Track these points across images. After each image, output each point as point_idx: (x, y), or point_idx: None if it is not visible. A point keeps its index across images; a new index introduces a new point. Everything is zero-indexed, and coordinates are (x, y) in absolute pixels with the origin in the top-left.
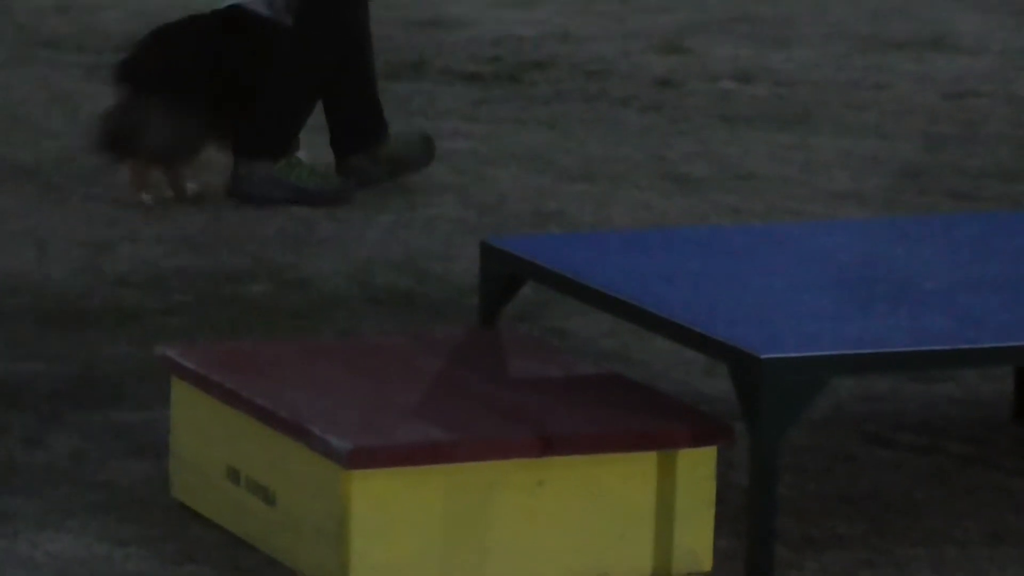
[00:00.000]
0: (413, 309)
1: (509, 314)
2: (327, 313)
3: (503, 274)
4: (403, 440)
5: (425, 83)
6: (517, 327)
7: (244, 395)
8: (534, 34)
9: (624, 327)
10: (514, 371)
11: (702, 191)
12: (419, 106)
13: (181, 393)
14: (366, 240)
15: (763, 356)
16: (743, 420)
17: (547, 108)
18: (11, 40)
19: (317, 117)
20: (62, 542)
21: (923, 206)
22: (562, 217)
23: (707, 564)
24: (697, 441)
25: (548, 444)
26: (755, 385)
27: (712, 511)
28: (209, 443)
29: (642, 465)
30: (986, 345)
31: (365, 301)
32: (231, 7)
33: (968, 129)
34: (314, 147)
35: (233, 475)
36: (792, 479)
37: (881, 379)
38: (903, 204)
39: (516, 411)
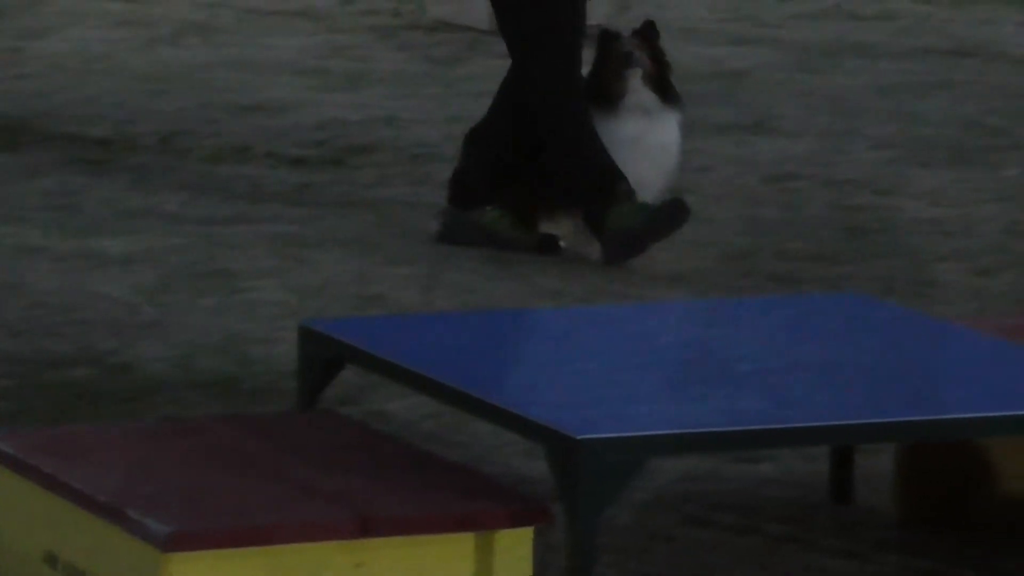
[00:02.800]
0: (235, 393)
1: (332, 397)
2: (150, 398)
3: (322, 357)
4: (222, 523)
5: (249, 167)
6: (339, 410)
7: (62, 479)
8: (359, 118)
9: (445, 409)
10: (334, 454)
11: (526, 274)
12: (243, 190)
13: (0, 479)
14: (188, 324)
15: (579, 437)
16: (560, 500)
17: (371, 192)
18: None
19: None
20: None
21: (744, 289)
22: (385, 300)
23: None
24: (514, 522)
25: (367, 526)
26: (572, 466)
27: None
28: (28, 529)
29: (459, 546)
30: (801, 425)
31: (187, 385)
32: None
33: (788, 212)
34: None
35: (51, 560)
36: (611, 559)
37: (701, 460)
38: (724, 287)
39: (336, 493)
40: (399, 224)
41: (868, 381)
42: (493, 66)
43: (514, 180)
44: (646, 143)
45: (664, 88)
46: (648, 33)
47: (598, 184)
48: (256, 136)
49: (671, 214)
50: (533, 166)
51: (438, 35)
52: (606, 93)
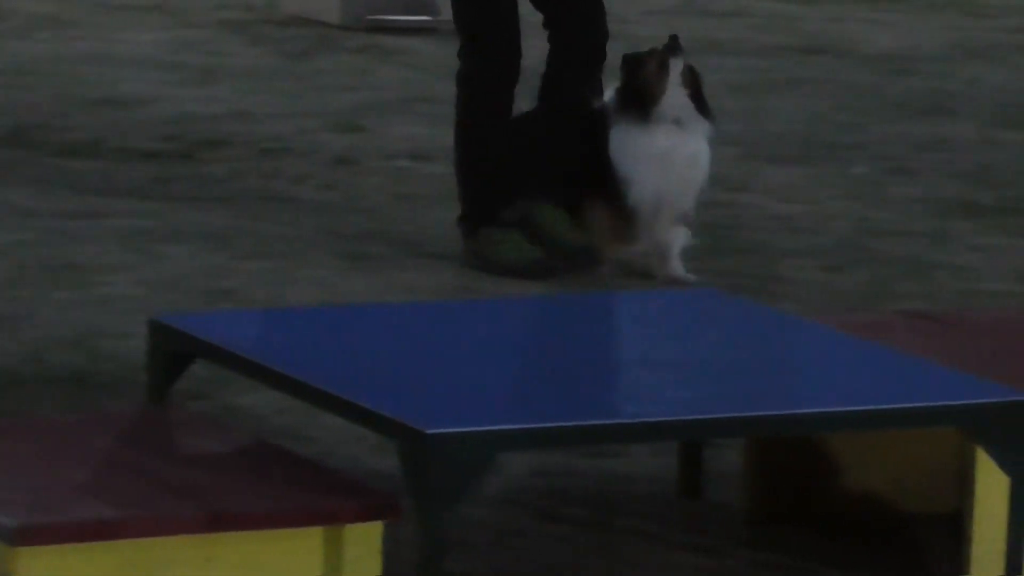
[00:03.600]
0: (86, 388)
1: (184, 391)
2: (0, 393)
3: (172, 351)
4: (71, 517)
5: (101, 161)
6: (190, 404)
7: None
8: (211, 112)
9: (296, 404)
10: (184, 448)
11: (378, 269)
12: (94, 184)
13: None
14: (39, 318)
15: (428, 432)
16: (410, 496)
17: (223, 186)
18: None
19: None
20: None
21: (595, 284)
22: (237, 295)
23: None
24: (363, 516)
25: (216, 520)
26: (421, 461)
27: None
28: None
29: (308, 540)
30: (650, 420)
31: (39, 380)
32: None
33: None
34: None
35: None
36: (461, 554)
37: (552, 455)
38: (575, 282)
39: (185, 488)
40: (251, 218)
41: (718, 376)
42: (345, 61)
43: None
44: (676, 155)
45: (697, 99)
46: (676, 46)
47: (481, 198)
48: (108, 130)
49: (585, 261)
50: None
51: (290, 30)
52: (641, 96)
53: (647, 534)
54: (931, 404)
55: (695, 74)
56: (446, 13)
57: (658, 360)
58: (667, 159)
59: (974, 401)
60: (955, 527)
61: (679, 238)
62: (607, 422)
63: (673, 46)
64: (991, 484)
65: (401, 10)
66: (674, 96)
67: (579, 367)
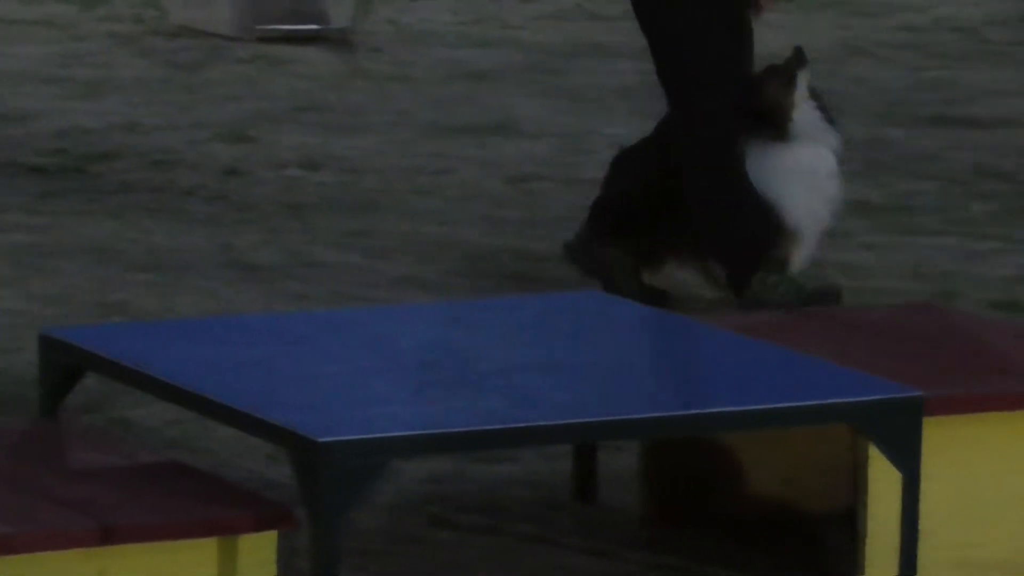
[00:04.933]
0: None
1: (76, 405)
2: None
3: (63, 365)
4: None
5: None
6: (82, 418)
7: None
8: (100, 125)
9: (189, 416)
10: (76, 462)
11: (269, 279)
12: None
13: None
14: None
15: (321, 440)
16: (303, 504)
17: (112, 199)
18: None
19: None
20: None
21: (487, 289)
22: (127, 307)
23: None
24: (257, 526)
25: (109, 534)
26: (313, 469)
27: None
28: None
29: (202, 552)
30: (542, 424)
31: None
32: None
33: (530, 212)
34: None
35: None
36: (356, 562)
37: (446, 461)
38: (467, 288)
39: (77, 502)
40: (141, 230)
41: (609, 379)
42: (235, 71)
43: (647, 222)
44: (817, 174)
45: (825, 110)
46: (802, 59)
47: (750, 247)
48: None
49: (822, 301)
50: (669, 209)
51: (180, 41)
52: (771, 110)
53: (541, 539)
54: (823, 402)
55: (815, 88)
56: (335, 21)
57: (550, 364)
58: (813, 176)
59: (866, 398)
60: (851, 525)
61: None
62: (499, 427)
63: (799, 58)
64: (884, 481)
65: (291, 19)
66: (805, 110)
67: (470, 373)
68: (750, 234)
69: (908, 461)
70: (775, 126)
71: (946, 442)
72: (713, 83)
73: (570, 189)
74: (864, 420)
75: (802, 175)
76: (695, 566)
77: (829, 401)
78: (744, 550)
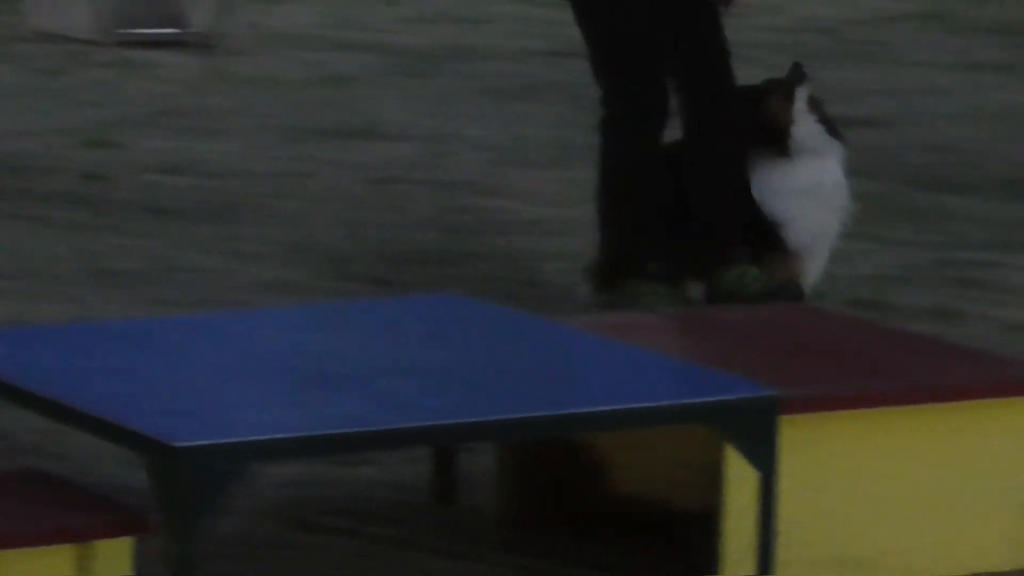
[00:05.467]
0: None
1: None
2: None
3: None
4: None
5: None
6: None
7: None
8: None
9: (45, 422)
10: None
11: (129, 284)
12: None
13: None
14: None
15: (176, 445)
16: (160, 510)
17: None
18: None
19: None
20: None
21: (347, 292)
22: None
23: None
24: (113, 532)
25: None
26: (170, 474)
27: None
28: None
29: (58, 558)
30: (400, 427)
31: None
32: None
33: (392, 215)
34: None
35: None
36: (215, 568)
37: (306, 465)
38: (327, 291)
39: None
40: (1, 237)
41: (469, 381)
42: (96, 76)
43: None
44: (824, 188)
45: (828, 122)
46: (800, 74)
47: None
48: None
49: (785, 297)
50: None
51: (39, 46)
52: (771, 127)
53: (402, 541)
54: (679, 402)
55: (816, 99)
56: (196, 25)
57: (406, 367)
58: (817, 191)
59: (721, 398)
60: (712, 524)
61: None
62: (359, 431)
63: (797, 74)
64: (741, 480)
65: (151, 23)
66: (806, 125)
67: (329, 376)
68: (630, 237)
69: (764, 460)
70: (776, 143)
71: (803, 441)
72: (633, 78)
73: (433, 192)
74: (720, 420)
75: (805, 191)
76: (555, 567)
77: (685, 401)
78: (604, 550)
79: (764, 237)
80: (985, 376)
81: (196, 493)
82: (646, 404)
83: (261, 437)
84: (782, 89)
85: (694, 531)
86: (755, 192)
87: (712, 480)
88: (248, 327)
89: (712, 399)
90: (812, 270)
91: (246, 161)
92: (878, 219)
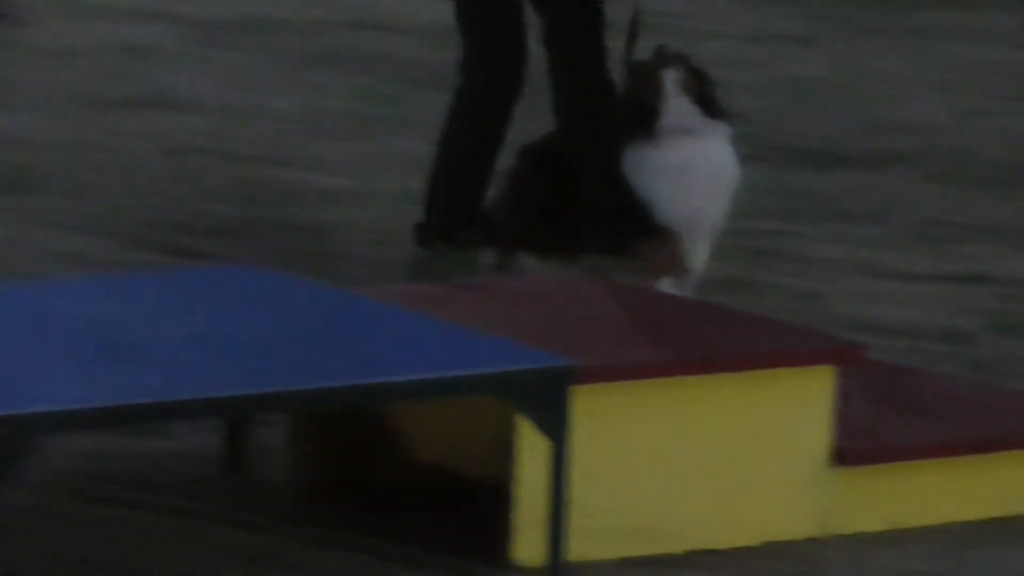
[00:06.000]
0: None
1: None
2: None
3: None
4: None
5: None
6: None
7: None
8: None
9: None
10: None
11: None
12: None
13: None
14: None
15: None
16: None
17: None
18: None
19: None
20: None
21: (142, 263)
22: None
23: None
24: None
25: None
26: None
27: None
28: None
29: None
30: (191, 398)
31: None
32: None
33: (188, 186)
34: None
35: None
36: (3, 540)
37: (99, 437)
38: (121, 262)
39: None
40: None
41: (262, 352)
42: None
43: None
44: (696, 168)
45: (708, 102)
46: (664, 57)
47: (454, 218)
48: None
49: None
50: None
51: None
52: (641, 110)
53: (194, 513)
54: (471, 372)
55: (699, 77)
56: None
57: (203, 338)
58: (685, 172)
59: (513, 368)
60: (503, 495)
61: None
62: (151, 402)
63: (665, 56)
64: (533, 450)
65: None
66: (677, 105)
67: (122, 347)
68: (454, 200)
69: (556, 430)
70: (644, 125)
71: (595, 411)
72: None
73: (229, 163)
74: (512, 390)
75: (673, 171)
76: (348, 538)
77: (477, 372)
78: (397, 521)
79: (636, 219)
80: (778, 346)
81: None
82: (438, 375)
83: (52, 409)
84: (647, 72)
85: (487, 502)
86: (626, 174)
87: (505, 451)
88: (40, 297)
89: (504, 369)
90: (693, 252)
91: (41, 132)
92: None
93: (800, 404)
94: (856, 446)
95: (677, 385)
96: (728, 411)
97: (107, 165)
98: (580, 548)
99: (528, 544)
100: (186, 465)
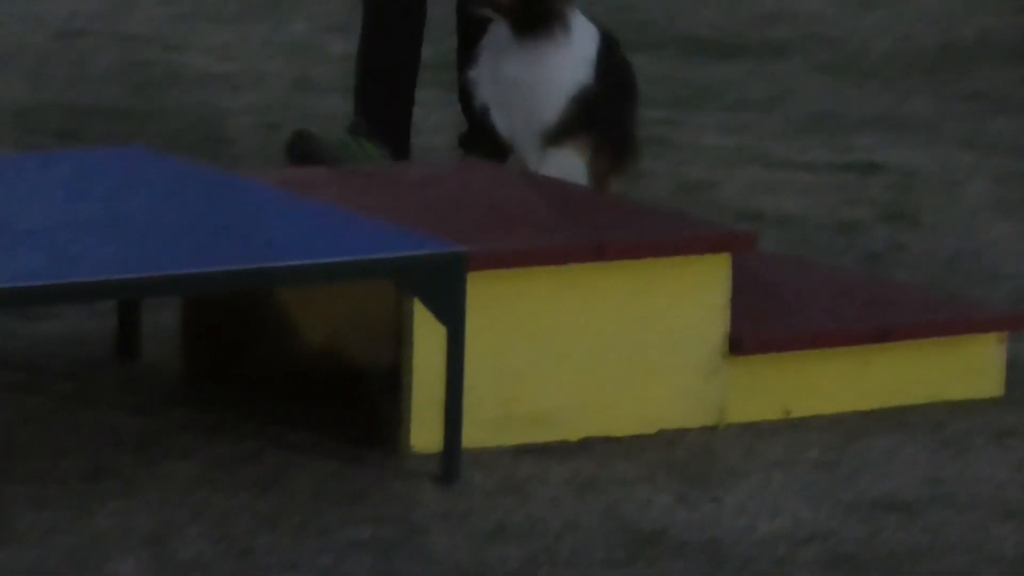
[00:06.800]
0: None
1: None
2: None
3: None
4: None
5: None
6: None
7: None
8: None
9: None
10: None
11: None
12: None
13: None
14: None
15: None
16: None
17: None
18: None
19: None
20: None
21: (30, 145)
22: None
23: None
24: None
25: None
26: None
27: None
28: None
29: None
30: (82, 280)
31: None
32: None
33: (76, 69)
34: None
35: None
36: None
37: None
38: (9, 144)
39: None
40: None
41: (152, 235)
42: None
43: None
44: (504, 80)
45: (536, 10)
46: None
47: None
48: None
49: None
50: None
51: None
52: (469, 23)
53: (82, 397)
54: (366, 257)
55: None
56: None
57: (92, 220)
58: (496, 84)
59: (410, 253)
60: (396, 381)
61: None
62: (39, 284)
63: None
64: (428, 337)
65: None
66: (497, 19)
67: (8, 229)
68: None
69: (453, 317)
70: (471, 38)
71: (488, 297)
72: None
73: (118, 45)
74: (408, 276)
75: (487, 84)
76: (236, 422)
77: (372, 256)
78: (287, 407)
79: (476, 123)
80: (673, 234)
81: None
82: (333, 259)
83: None
84: None
85: (379, 388)
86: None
87: (398, 337)
88: None
89: (401, 255)
90: (530, 161)
91: None
92: None
93: (695, 292)
94: (751, 335)
95: (570, 272)
96: (623, 299)
97: None
98: (475, 435)
99: (423, 431)
100: (74, 349)
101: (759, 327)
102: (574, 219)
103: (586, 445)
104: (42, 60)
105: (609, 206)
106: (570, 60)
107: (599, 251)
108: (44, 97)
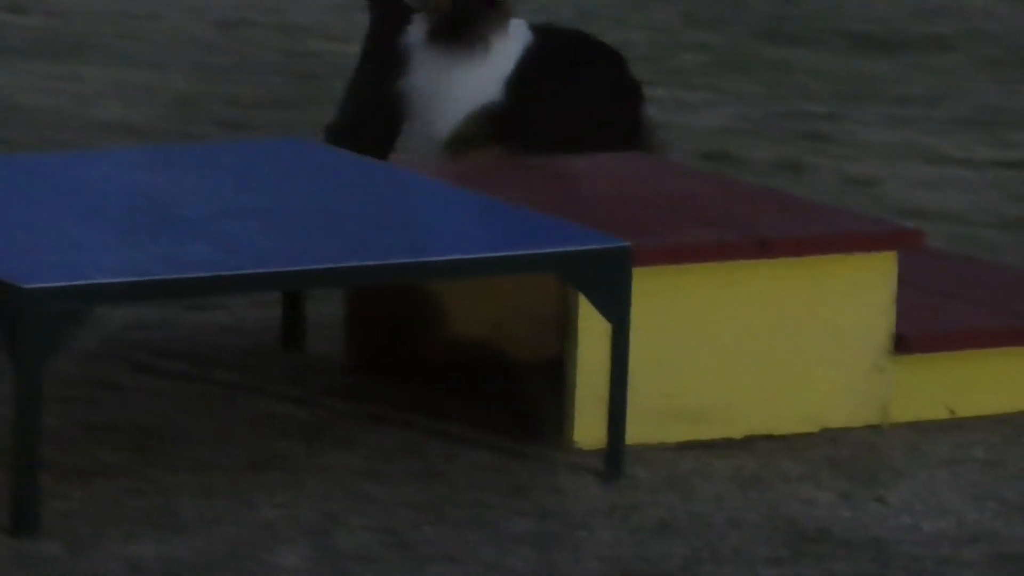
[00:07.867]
0: None
1: None
2: None
3: None
4: None
5: None
6: None
7: None
8: None
9: None
10: None
11: None
12: None
13: None
14: None
15: (25, 286)
16: (5, 351)
17: None
18: None
19: None
20: None
21: (194, 136)
22: None
23: None
24: None
25: None
26: (16, 315)
27: None
28: None
29: None
30: (248, 272)
31: None
32: None
33: (239, 59)
34: None
35: None
36: (59, 409)
37: (152, 309)
38: (173, 134)
39: None
40: None
41: (317, 227)
42: None
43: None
44: (424, 89)
45: (456, 22)
46: None
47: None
48: None
49: None
50: None
51: None
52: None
53: (247, 386)
54: (532, 251)
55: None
56: None
57: (257, 211)
58: (420, 93)
59: (575, 248)
60: (558, 374)
61: None
62: (205, 275)
63: None
64: (593, 331)
65: None
66: (417, 27)
67: (176, 220)
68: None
69: (617, 311)
70: (393, 52)
71: (652, 292)
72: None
73: (280, 35)
74: (573, 270)
75: (415, 92)
76: (398, 414)
77: (538, 251)
78: (448, 398)
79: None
80: (837, 230)
81: (41, 334)
82: (498, 253)
83: (107, 280)
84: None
85: (540, 381)
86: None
87: (561, 331)
88: (93, 168)
89: (566, 249)
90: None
91: (92, 1)
92: (724, 71)
93: (860, 290)
94: (917, 333)
95: (736, 269)
96: (787, 295)
97: (160, 35)
98: (638, 431)
99: (587, 427)
100: (240, 338)
101: (924, 325)
102: (738, 214)
103: (749, 442)
104: (205, 50)
105: (774, 201)
106: (478, 78)
107: (763, 248)
108: (207, 87)
